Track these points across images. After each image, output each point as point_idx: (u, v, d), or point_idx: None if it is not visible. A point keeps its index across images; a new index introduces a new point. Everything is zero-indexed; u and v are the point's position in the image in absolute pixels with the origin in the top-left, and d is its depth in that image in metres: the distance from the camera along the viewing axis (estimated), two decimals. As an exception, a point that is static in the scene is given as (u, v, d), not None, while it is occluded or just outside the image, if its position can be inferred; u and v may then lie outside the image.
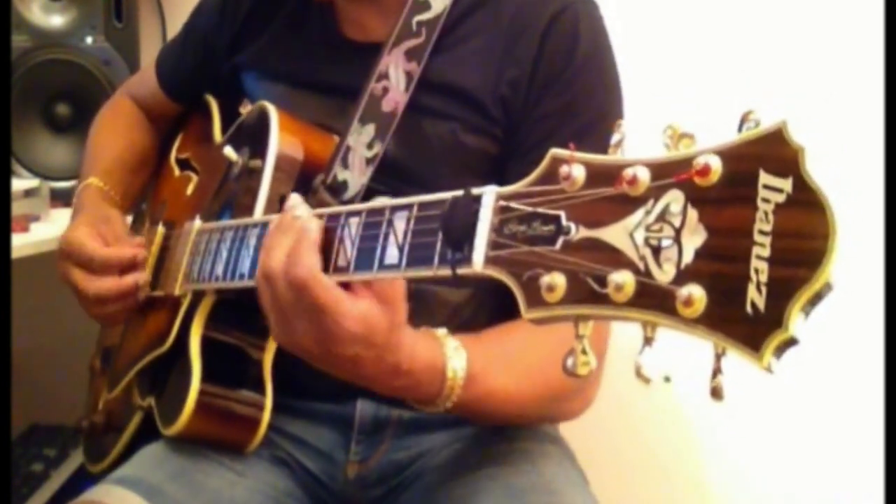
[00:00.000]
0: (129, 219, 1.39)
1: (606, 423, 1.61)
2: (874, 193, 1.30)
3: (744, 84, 1.55)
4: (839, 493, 1.61)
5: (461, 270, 0.66)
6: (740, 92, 1.54)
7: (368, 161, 1.08)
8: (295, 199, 0.86)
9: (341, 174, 1.07)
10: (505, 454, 1.06)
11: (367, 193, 1.06)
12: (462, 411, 0.95)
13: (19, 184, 1.60)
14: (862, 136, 1.47)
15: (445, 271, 0.68)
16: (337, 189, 1.07)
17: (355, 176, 1.08)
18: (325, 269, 0.80)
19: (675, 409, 1.67)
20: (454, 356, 0.91)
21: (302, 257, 0.78)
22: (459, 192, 0.68)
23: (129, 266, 1.17)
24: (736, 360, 0.50)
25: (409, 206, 0.74)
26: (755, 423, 1.64)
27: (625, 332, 0.59)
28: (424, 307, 1.09)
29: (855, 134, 1.48)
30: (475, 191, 0.67)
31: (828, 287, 0.48)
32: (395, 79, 1.08)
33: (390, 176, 1.07)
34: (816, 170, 0.49)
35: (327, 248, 0.80)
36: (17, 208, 1.52)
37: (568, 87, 1.07)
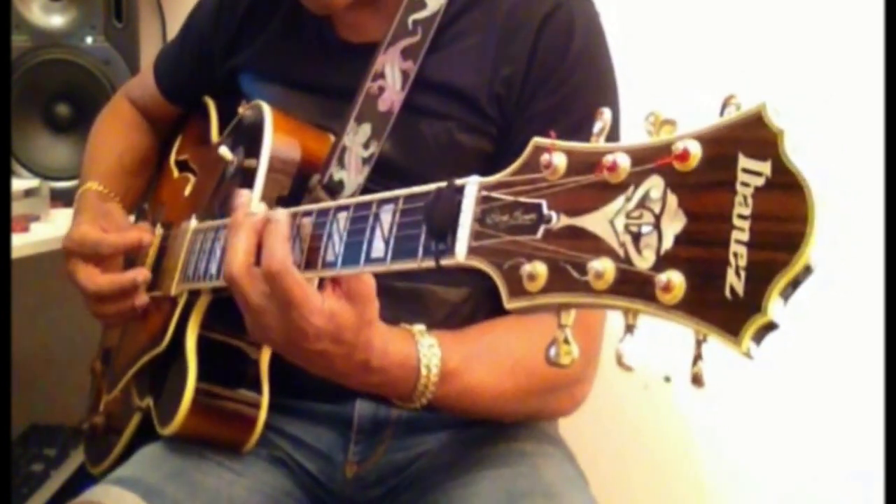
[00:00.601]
0: (132, 218, 1.39)
1: (606, 423, 1.61)
2: (874, 193, 1.29)
3: (744, 84, 1.54)
4: (839, 492, 1.60)
5: (444, 262, 0.66)
6: (740, 92, 1.54)
7: (365, 161, 1.08)
8: (241, 197, 0.89)
9: (338, 174, 1.07)
10: (504, 455, 1.06)
11: (364, 193, 1.06)
12: (441, 407, 0.96)
13: (19, 184, 1.60)
14: (862, 136, 1.47)
15: (429, 263, 0.68)
16: (334, 189, 1.07)
17: (352, 175, 1.07)
18: (314, 265, 0.81)
19: (675, 409, 1.66)
20: (428, 353, 0.92)
21: (276, 250, 0.80)
22: (443, 184, 0.68)
23: (135, 251, 1.19)
24: (716, 345, 0.50)
25: (394, 200, 0.74)
26: (755, 423, 1.64)
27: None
28: (423, 306, 1.10)
29: (855, 134, 1.48)
30: (458, 182, 0.67)
31: (807, 270, 0.47)
32: (391, 78, 1.08)
33: (387, 175, 1.07)
34: (796, 153, 0.48)
35: (315, 244, 0.81)
36: (17, 208, 1.52)
37: (562, 85, 1.07)
